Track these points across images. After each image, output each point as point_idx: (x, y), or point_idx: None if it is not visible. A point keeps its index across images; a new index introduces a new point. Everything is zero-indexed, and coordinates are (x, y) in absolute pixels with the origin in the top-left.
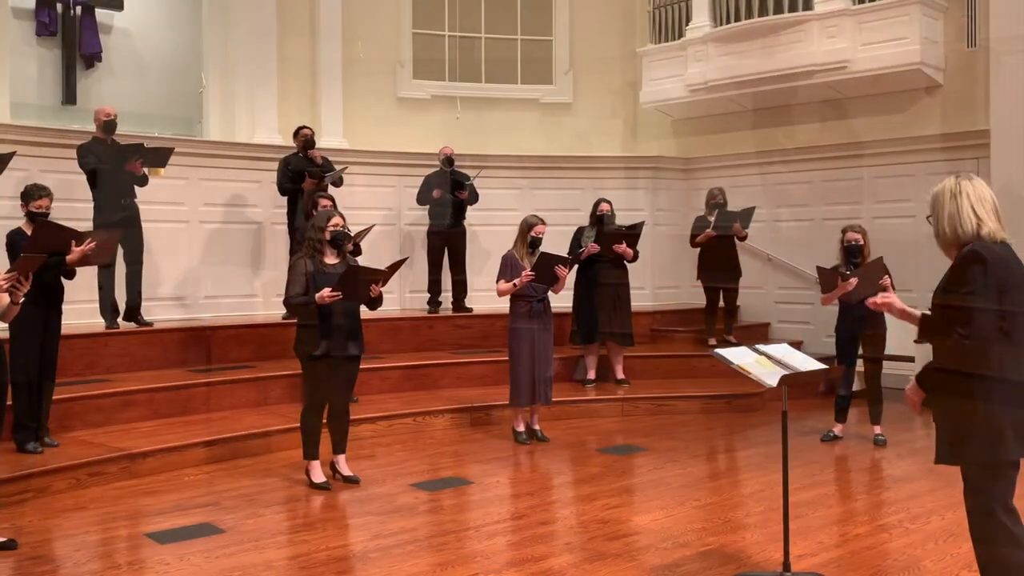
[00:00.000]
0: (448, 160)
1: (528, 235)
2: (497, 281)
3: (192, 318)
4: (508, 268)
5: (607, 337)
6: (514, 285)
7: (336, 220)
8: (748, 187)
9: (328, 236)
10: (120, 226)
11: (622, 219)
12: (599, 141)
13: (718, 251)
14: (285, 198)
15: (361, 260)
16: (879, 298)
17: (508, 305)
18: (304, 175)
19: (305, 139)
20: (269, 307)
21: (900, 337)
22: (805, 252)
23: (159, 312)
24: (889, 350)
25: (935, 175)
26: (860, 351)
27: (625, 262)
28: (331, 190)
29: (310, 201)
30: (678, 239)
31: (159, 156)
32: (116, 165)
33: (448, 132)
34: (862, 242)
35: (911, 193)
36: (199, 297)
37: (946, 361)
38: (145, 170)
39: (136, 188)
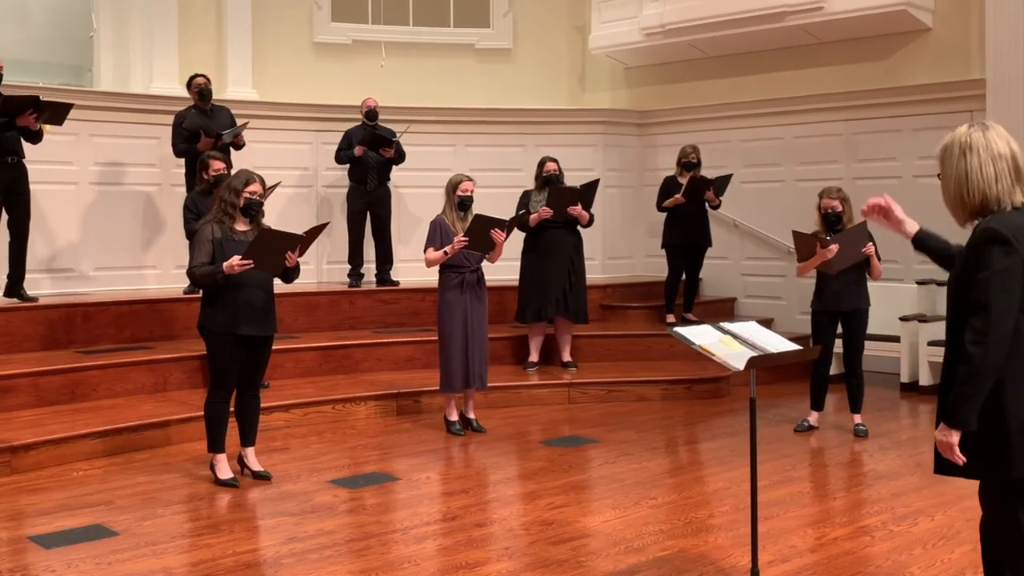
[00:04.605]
0: (371, 113)
1: (455, 195)
2: (425, 250)
3: (81, 292)
4: (437, 234)
5: (559, 313)
6: (445, 253)
7: (255, 187)
8: (711, 144)
9: (242, 202)
10: (5, 189)
11: (569, 180)
12: (543, 92)
13: (689, 216)
14: (183, 161)
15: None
16: (880, 201)
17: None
18: (200, 134)
19: (200, 88)
20: (169, 280)
21: (884, 314)
22: (776, 217)
23: (44, 286)
24: (872, 329)
25: (923, 130)
26: (839, 330)
27: (579, 227)
28: (232, 153)
29: (201, 164)
30: (632, 203)
31: (56, 112)
32: (7, 120)
33: (371, 82)
34: (840, 209)
35: (896, 151)
36: (89, 269)
37: (967, 362)
38: (40, 126)
39: (25, 145)
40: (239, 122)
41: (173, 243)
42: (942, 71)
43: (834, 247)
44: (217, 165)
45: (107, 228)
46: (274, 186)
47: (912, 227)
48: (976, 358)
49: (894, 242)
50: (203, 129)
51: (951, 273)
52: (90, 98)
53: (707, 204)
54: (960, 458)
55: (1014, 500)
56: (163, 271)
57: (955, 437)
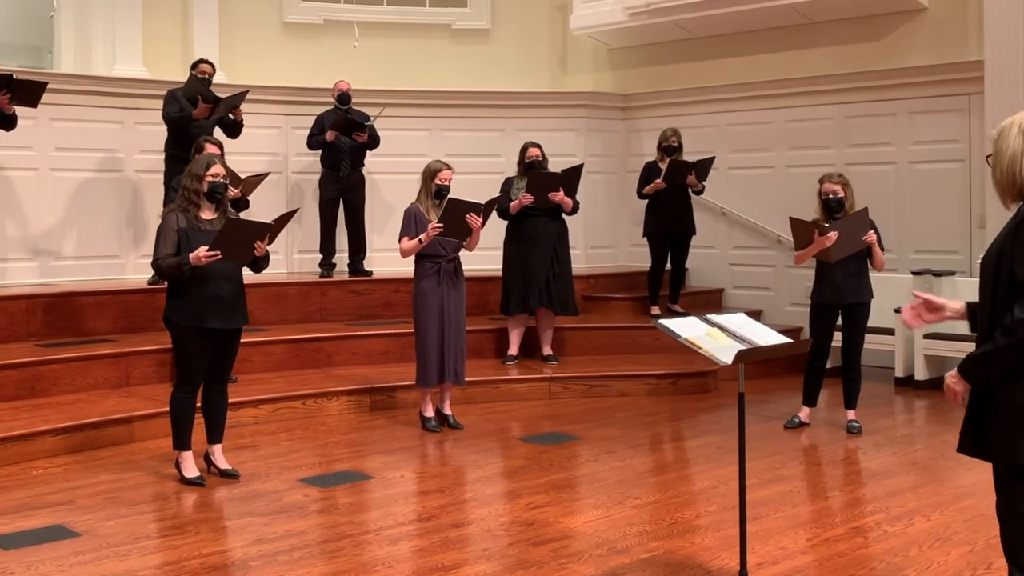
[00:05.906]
0: (344, 97)
1: (432, 184)
2: (399, 239)
3: (42, 283)
4: (412, 223)
5: (542, 304)
6: (419, 242)
7: (216, 169)
8: (698, 128)
9: (205, 187)
10: None
11: (551, 166)
12: (522, 74)
13: (671, 204)
14: (163, 146)
15: (244, 215)
16: (915, 304)
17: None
18: (197, 101)
19: (203, 76)
20: (133, 270)
21: (878, 306)
22: (765, 205)
23: (3, 276)
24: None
25: (918, 114)
26: (838, 323)
27: (563, 214)
28: (222, 137)
29: (196, 148)
30: (615, 190)
31: (31, 92)
32: None
33: (344, 63)
34: (842, 194)
35: (890, 135)
36: (50, 259)
37: (1001, 343)
38: (14, 109)
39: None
40: (235, 117)
41: (138, 231)
42: (938, 52)
43: (833, 234)
44: (212, 149)
45: (69, 216)
46: (262, 176)
47: (958, 303)
48: (1021, 331)
49: (889, 230)
50: (201, 95)
51: (987, 253)
52: (51, 80)
53: (690, 190)
54: (959, 403)
55: (1020, 489)
56: (127, 261)
57: (961, 387)
